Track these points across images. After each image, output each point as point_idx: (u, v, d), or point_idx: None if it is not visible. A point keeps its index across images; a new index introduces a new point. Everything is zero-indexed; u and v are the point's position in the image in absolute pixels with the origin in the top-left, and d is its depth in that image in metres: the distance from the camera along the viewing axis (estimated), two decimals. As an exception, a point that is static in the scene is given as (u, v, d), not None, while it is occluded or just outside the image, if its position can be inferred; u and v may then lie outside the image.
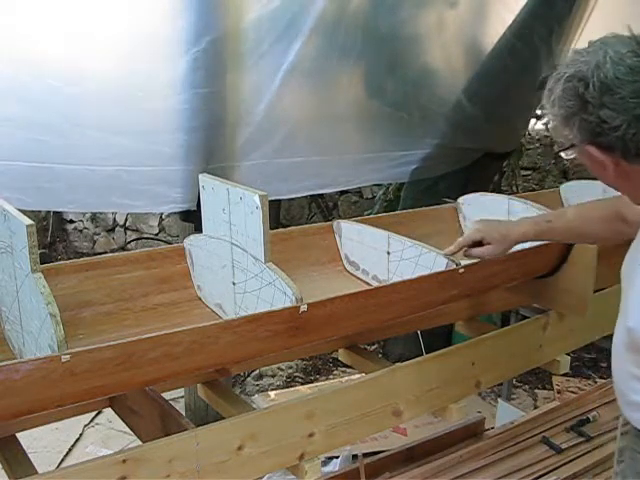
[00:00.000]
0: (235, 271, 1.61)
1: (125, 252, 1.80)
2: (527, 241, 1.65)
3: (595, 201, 1.62)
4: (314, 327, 1.45)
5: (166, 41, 1.99)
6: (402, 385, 1.68)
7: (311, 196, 4.69)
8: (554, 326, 2.00)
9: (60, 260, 5.10)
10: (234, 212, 1.57)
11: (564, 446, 2.19)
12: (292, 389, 3.71)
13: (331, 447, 1.60)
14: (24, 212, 1.34)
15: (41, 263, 1.29)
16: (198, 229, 1.79)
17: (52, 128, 1.92)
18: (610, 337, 1.28)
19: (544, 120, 1.16)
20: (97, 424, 3.40)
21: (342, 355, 1.95)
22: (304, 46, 2.14)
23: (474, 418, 2.35)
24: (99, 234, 6.16)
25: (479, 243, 1.61)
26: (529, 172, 4.73)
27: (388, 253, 1.87)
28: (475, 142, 3.01)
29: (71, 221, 6.25)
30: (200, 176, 1.72)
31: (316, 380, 3.93)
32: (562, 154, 1.20)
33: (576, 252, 1.86)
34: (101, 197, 2.13)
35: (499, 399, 2.94)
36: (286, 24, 2.10)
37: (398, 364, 1.71)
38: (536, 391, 3.77)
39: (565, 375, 3.41)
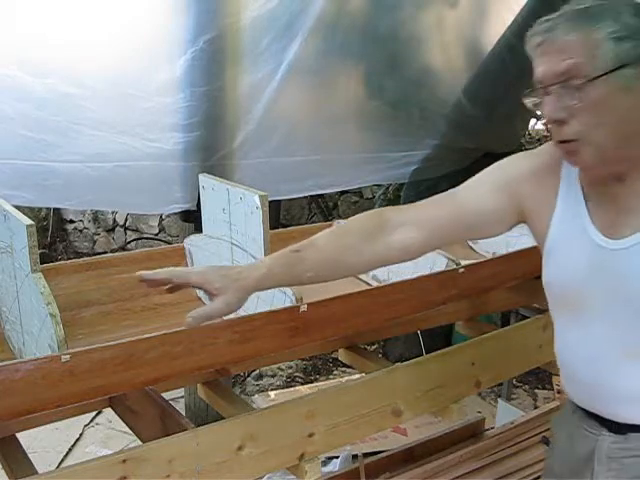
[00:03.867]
0: (235, 271, 1.61)
1: (125, 252, 1.81)
2: (273, 283, 1.17)
3: (353, 218, 1.27)
4: (314, 327, 1.45)
5: (164, 40, 1.99)
6: (402, 385, 1.68)
7: (311, 196, 4.69)
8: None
9: (60, 260, 5.10)
10: (234, 212, 1.57)
11: (564, 446, 2.19)
12: (292, 389, 3.71)
13: (331, 447, 1.60)
14: (24, 211, 1.34)
15: (41, 263, 1.29)
16: (198, 229, 1.79)
17: (51, 126, 1.92)
18: None
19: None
20: (97, 424, 3.39)
21: (342, 355, 1.95)
22: (303, 46, 2.14)
23: (474, 418, 2.35)
24: (99, 234, 6.16)
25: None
26: (529, 172, 4.73)
27: (388, 253, 1.87)
28: (475, 142, 3.01)
29: (71, 221, 6.25)
30: (200, 176, 1.72)
31: (316, 380, 3.93)
32: (565, 98, 1.03)
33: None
34: (100, 194, 2.13)
35: (499, 399, 2.94)
36: (285, 23, 2.10)
37: (398, 364, 1.71)
38: (536, 391, 3.76)
39: (565, 375, 3.40)
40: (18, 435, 1.51)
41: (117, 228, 6.05)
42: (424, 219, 1.22)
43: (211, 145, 2.19)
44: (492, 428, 2.46)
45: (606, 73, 1.00)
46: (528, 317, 2.16)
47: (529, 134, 4.49)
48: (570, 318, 1.17)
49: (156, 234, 5.76)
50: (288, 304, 1.41)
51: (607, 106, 1.02)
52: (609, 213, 1.09)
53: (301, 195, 2.94)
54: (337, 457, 2.71)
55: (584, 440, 1.20)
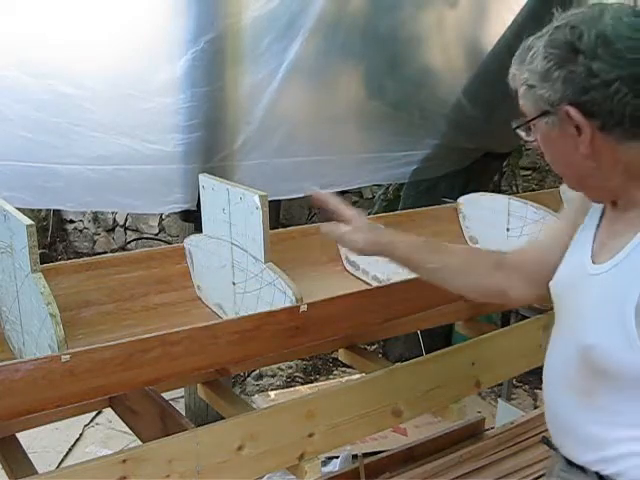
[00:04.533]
0: (235, 271, 1.61)
1: (125, 252, 1.81)
2: (395, 252, 1.29)
3: (486, 248, 1.41)
4: (314, 327, 1.45)
5: (165, 40, 1.99)
6: (402, 385, 1.68)
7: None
8: (554, 326, 2.00)
9: (60, 260, 5.10)
10: (234, 212, 1.57)
11: (564, 446, 2.18)
12: (292, 389, 3.71)
13: (331, 447, 1.60)
14: (24, 212, 1.34)
15: (41, 263, 1.29)
16: (198, 229, 1.79)
17: (52, 128, 1.92)
18: None
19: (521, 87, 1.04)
20: (97, 424, 3.39)
21: (342, 355, 1.95)
22: (304, 46, 2.14)
23: (474, 418, 2.35)
24: (99, 234, 6.16)
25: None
26: (529, 172, 4.73)
27: (388, 253, 1.87)
28: (475, 142, 3.00)
29: (71, 221, 6.25)
30: (200, 176, 1.72)
31: (316, 380, 3.93)
32: (522, 133, 1.07)
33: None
34: (100, 196, 2.13)
35: (499, 399, 2.94)
36: (285, 24, 2.10)
37: (398, 364, 1.71)
38: (536, 391, 3.76)
39: (565, 375, 3.40)
40: (18, 435, 1.51)
41: (117, 228, 6.05)
42: (526, 265, 1.26)
43: (212, 146, 2.19)
44: (492, 428, 2.46)
45: (533, 119, 1.03)
46: (528, 317, 2.16)
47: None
48: (556, 323, 1.17)
49: (156, 234, 5.76)
50: (288, 304, 1.41)
51: (547, 147, 1.05)
52: (603, 237, 1.08)
53: (301, 195, 2.95)
54: (337, 457, 2.71)
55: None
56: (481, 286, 1.30)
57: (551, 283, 1.16)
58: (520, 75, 1.03)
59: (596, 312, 1.01)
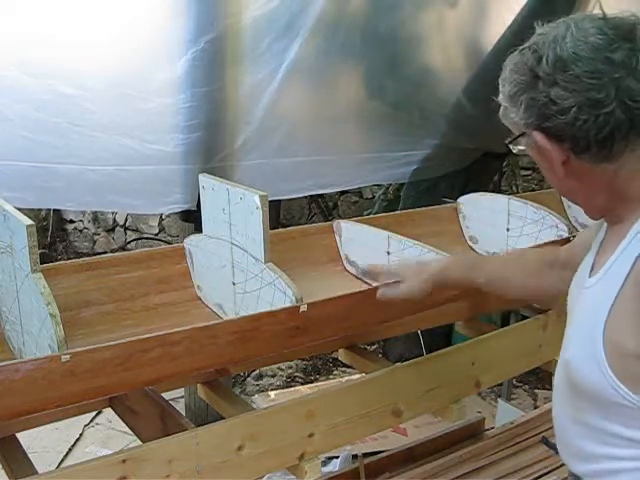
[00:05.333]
0: (235, 271, 1.61)
1: (125, 252, 1.81)
2: (449, 279, 1.38)
3: (533, 247, 1.42)
4: (314, 327, 1.45)
5: (165, 41, 1.99)
6: (402, 385, 1.68)
7: (311, 196, 4.69)
8: (554, 326, 2.01)
9: (60, 260, 5.10)
10: (234, 212, 1.57)
11: (564, 446, 2.18)
12: (292, 389, 3.71)
13: (331, 447, 1.60)
14: (24, 212, 1.34)
15: (41, 263, 1.29)
16: (198, 229, 1.79)
17: (52, 128, 1.92)
18: None
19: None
20: (97, 424, 3.39)
21: (342, 355, 1.95)
22: (304, 46, 2.14)
23: (474, 418, 2.35)
24: (99, 234, 6.16)
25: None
26: (529, 172, 4.73)
27: (388, 253, 1.87)
28: (475, 142, 3.00)
29: (71, 221, 6.25)
30: (200, 176, 1.72)
31: (316, 380, 3.93)
32: (512, 147, 1.10)
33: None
34: (100, 196, 2.13)
35: (499, 399, 2.94)
36: (285, 24, 2.10)
37: (398, 364, 1.71)
38: (536, 391, 3.76)
39: (565, 375, 3.39)
40: (18, 435, 1.51)
41: (117, 228, 6.05)
42: (575, 259, 1.18)
43: (212, 146, 2.19)
44: (492, 428, 2.46)
45: (514, 139, 1.03)
46: (528, 317, 2.16)
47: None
48: None
49: (156, 234, 5.76)
50: (288, 304, 1.41)
51: (538, 162, 1.04)
52: (601, 250, 1.06)
53: (301, 195, 2.94)
54: (337, 457, 2.71)
55: None
56: (539, 288, 1.33)
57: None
58: (500, 95, 1.03)
59: (577, 326, 1.01)
